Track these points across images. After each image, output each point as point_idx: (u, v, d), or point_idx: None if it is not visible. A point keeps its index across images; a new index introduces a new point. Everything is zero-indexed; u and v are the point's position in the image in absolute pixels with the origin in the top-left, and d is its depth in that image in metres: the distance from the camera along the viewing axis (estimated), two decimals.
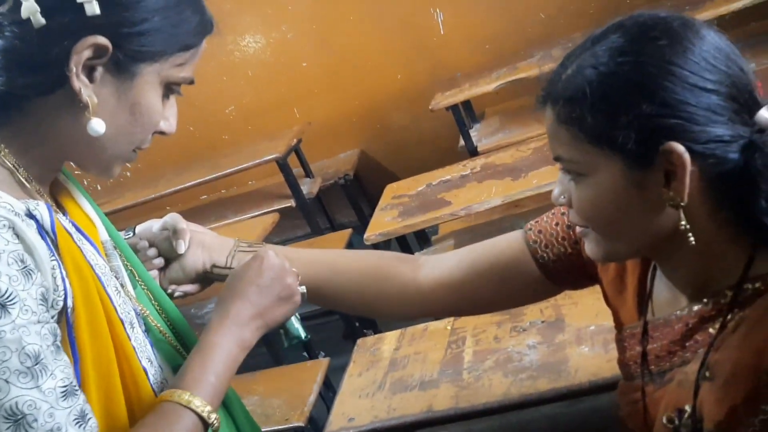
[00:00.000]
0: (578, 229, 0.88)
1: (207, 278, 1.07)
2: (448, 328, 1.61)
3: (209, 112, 3.92)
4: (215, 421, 0.81)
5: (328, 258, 1.11)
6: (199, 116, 3.91)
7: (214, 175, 3.17)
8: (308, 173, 3.48)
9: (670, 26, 0.77)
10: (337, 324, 3.29)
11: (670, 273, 0.88)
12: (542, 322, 1.50)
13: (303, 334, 1.00)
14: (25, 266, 0.71)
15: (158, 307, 0.96)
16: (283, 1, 3.70)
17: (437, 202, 2.16)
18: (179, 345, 0.95)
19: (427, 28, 3.58)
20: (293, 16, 3.72)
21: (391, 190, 2.45)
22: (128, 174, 3.91)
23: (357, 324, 2.94)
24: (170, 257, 1.04)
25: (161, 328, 0.94)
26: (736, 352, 0.77)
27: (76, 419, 0.71)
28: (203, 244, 1.06)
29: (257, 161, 3.10)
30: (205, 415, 0.80)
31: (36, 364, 0.70)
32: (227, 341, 0.86)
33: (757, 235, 0.79)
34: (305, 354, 2.85)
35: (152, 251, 1.04)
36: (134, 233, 1.06)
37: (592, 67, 0.77)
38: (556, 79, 0.81)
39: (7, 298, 0.69)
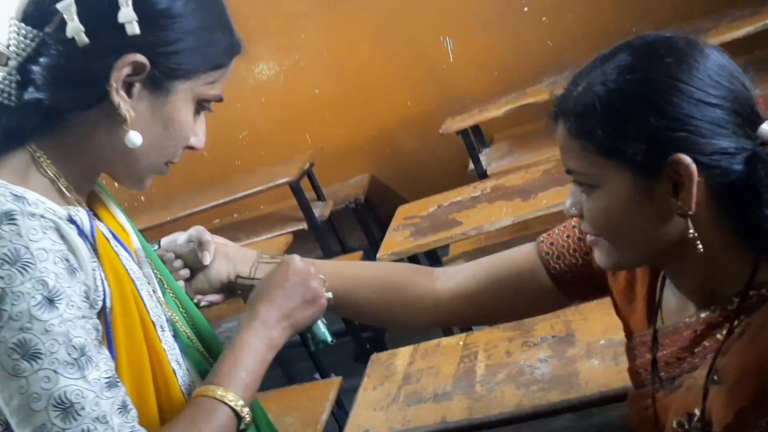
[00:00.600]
0: (589, 238, 0.92)
1: (231, 288, 1.10)
2: (461, 343, 1.65)
3: (223, 137, 3.99)
4: (247, 415, 0.85)
5: (349, 270, 1.15)
6: (213, 142, 3.92)
7: (227, 198, 3.22)
8: (320, 196, 3.53)
9: (676, 45, 0.81)
10: (348, 346, 3.31)
11: (678, 281, 0.91)
12: (553, 337, 1.54)
13: (329, 338, 1.04)
14: (70, 265, 0.76)
15: (185, 315, 1.00)
16: (296, 30, 3.79)
17: (448, 223, 2.20)
18: (206, 351, 0.99)
19: (436, 56, 3.66)
20: (306, 44, 3.81)
21: (402, 212, 2.50)
22: (142, 198, 3.98)
23: (368, 346, 2.97)
24: (195, 268, 1.08)
25: (189, 334, 0.98)
26: (743, 356, 0.80)
27: (119, 408, 0.75)
28: (227, 256, 1.10)
29: (271, 184, 3.15)
30: (238, 408, 0.84)
31: (82, 356, 0.74)
32: (257, 340, 0.90)
33: (762, 244, 0.82)
34: (316, 376, 2.88)
35: (178, 263, 1.08)
36: (160, 246, 1.11)
37: (602, 83, 0.81)
38: (567, 95, 0.85)
39: (55, 293, 0.73)
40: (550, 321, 1.58)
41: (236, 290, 1.11)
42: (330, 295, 1.01)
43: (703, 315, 0.86)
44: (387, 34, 3.69)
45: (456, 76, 3.65)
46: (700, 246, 0.81)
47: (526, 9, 3.44)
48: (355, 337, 3.21)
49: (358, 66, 3.78)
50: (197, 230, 1.09)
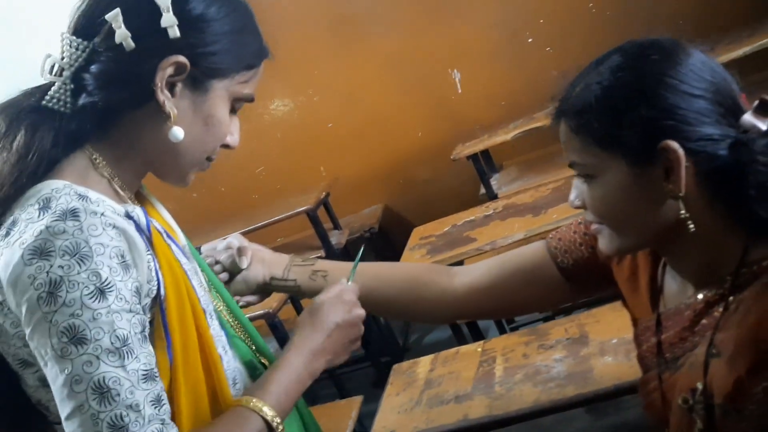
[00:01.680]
0: (593, 227, 0.98)
1: (266, 289, 1.19)
2: (479, 350, 1.72)
3: (240, 173, 4.10)
4: (279, 428, 0.89)
5: (374, 269, 1.23)
6: (231, 177, 4.08)
7: (247, 228, 3.30)
8: (336, 225, 3.62)
9: (662, 45, 0.90)
10: (367, 371, 3.37)
11: (676, 265, 0.97)
12: (567, 339, 1.60)
13: None
14: (124, 261, 0.81)
15: (227, 309, 1.07)
16: (309, 67, 3.92)
17: (463, 240, 2.28)
18: (250, 341, 1.06)
19: (445, 88, 3.77)
20: (319, 80, 3.93)
21: (418, 233, 2.58)
22: None
23: (387, 371, 3.02)
24: (233, 272, 1.17)
25: (233, 324, 1.04)
26: (737, 329, 0.85)
27: (152, 401, 0.79)
28: (263, 260, 1.19)
29: (290, 213, 3.24)
30: (274, 424, 0.88)
31: (124, 346, 0.78)
32: (301, 366, 0.95)
33: (750, 224, 0.87)
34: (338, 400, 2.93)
35: (218, 267, 1.16)
36: (200, 252, 1.20)
37: (597, 82, 0.89)
38: (567, 96, 0.93)
39: (107, 285, 0.78)
40: (564, 325, 1.65)
41: (271, 291, 1.20)
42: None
43: (700, 295, 0.92)
44: (396, 68, 3.81)
45: (465, 106, 3.76)
46: (692, 226, 0.87)
47: (530, 40, 3.56)
48: (375, 362, 3.27)
49: (369, 99, 3.89)
50: (236, 237, 1.19)
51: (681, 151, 0.84)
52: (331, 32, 3.84)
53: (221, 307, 1.04)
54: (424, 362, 1.78)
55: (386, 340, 3.42)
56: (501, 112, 3.54)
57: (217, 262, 1.17)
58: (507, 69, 3.58)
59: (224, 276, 1.16)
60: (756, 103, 0.88)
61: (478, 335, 2.18)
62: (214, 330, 0.96)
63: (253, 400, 0.89)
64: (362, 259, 1.16)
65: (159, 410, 0.79)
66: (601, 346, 1.52)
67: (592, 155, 0.90)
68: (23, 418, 0.89)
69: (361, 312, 1.04)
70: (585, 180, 0.93)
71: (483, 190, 3.11)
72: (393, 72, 3.83)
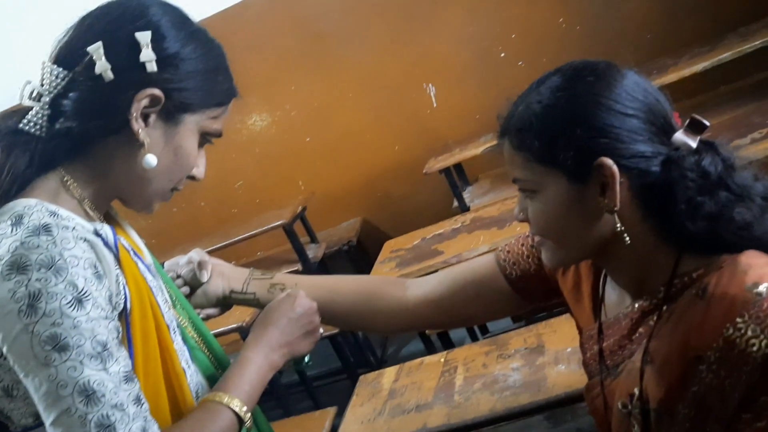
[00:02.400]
0: (536, 239, 1.02)
1: (226, 303, 1.23)
2: (442, 360, 1.76)
3: (219, 187, 4.13)
4: (248, 421, 0.95)
5: (328, 282, 1.28)
6: (210, 192, 4.12)
7: (225, 243, 3.34)
8: (313, 239, 3.66)
9: (597, 67, 0.94)
10: (344, 383, 3.40)
11: (615, 276, 1.02)
12: (525, 348, 1.65)
13: (307, 360, 1.16)
14: (96, 271, 0.85)
15: (190, 323, 1.11)
16: (286, 83, 3.97)
17: (431, 253, 2.33)
18: (212, 355, 1.10)
19: (420, 102, 3.83)
20: (296, 95, 3.98)
21: (389, 246, 2.63)
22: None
23: None
24: (195, 285, 1.21)
25: (196, 339, 1.08)
26: (669, 338, 0.90)
27: (134, 400, 0.84)
28: (223, 274, 1.23)
29: (266, 227, 3.27)
30: (241, 414, 0.94)
31: (104, 351, 0.82)
32: (261, 360, 1.01)
33: (682, 237, 0.91)
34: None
35: (179, 281, 1.20)
36: (162, 267, 1.24)
37: (537, 102, 0.93)
38: (510, 115, 0.98)
39: (84, 294, 0.82)
40: (524, 335, 1.70)
41: (231, 304, 1.24)
42: (322, 330, 1.14)
43: (637, 305, 0.96)
44: (372, 83, 3.86)
45: (440, 121, 3.82)
46: (628, 239, 0.91)
47: (503, 55, 3.62)
48: (351, 375, 3.30)
49: (346, 114, 3.94)
50: (197, 252, 1.23)
51: (615, 168, 0.87)
52: (308, 48, 3.89)
53: (185, 323, 1.08)
54: (389, 373, 1.82)
55: (363, 352, 3.45)
56: (475, 126, 3.59)
57: (178, 276, 1.21)
58: (480, 83, 3.64)
59: (185, 290, 1.20)
60: (687, 121, 0.92)
61: (450, 346, 2.23)
62: (178, 345, 1.00)
63: (221, 395, 0.95)
64: (340, 273, 1.21)
65: (141, 408, 0.84)
66: (556, 355, 1.57)
67: (532, 171, 0.94)
68: None
69: (310, 304, 1.10)
70: (527, 195, 0.97)
71: (456, 203, 3.16)
72: (369, 87, 3.88)
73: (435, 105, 3.82)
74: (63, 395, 0.80)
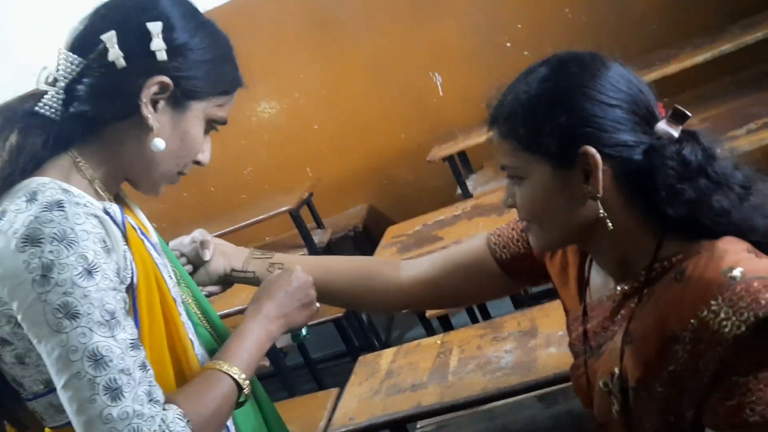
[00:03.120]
0: (523, 224, 1.07)
1: (227, 280, 1.29)
2: (438, 342, 1.81)
3: (229, 173, 4.19)
4: (246, 387, 1.00)
5: (323, 262, 1.33)
6: (220, 178, 4.18)
7: (232, 227, 3.39)
8: (319, 224, 3.71)
9: (582, 59, 0.97)
10: (348, 366, 3.45)
11: (599, 260, 1.05)
12: (519, 331, 1.69)
13: (305, 333, 1.22)
14: (106, 245, 0.90)
15: (194, 300, 1.16)
16: (294, 70, 4.01)
17: (431, 239, 2.38)
18: (213, 331, 1.15)
19: (426, 90, 3.86)
20: (304, 83, 4.03)
21: (391, 232, 2.68)
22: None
23: None
24: (197, 264, 1.26)
25: (199, 315, 1.14)
26: (647, 319, 0.94)
27: (140, 366, 0.88)
28: (224, 253, 1.29)
29: (272, 213, 3.33)
30: (240, 381, 0.99)
31: (112, 319, 0.87)
32: (259, 331, 1.07)
33: (662, 223, 0.94)
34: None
35: (183, 259, 1.26)
36: (168, 246, 1.29)
37: (524, 92, 0.96)
38: (499, 105, 1.01)
39: (93, 266, 0.87)
40: (518, 318, 1.75)
41: (231, 282, 1.30)
42: (318, 304, 1.19)
43: (619, 288, 1.00)
44: (379, 71, 3.90)
45: (446, 109, 3.85)
46: (610, 224, 0.93)
47: (508, 44, 3.65)
48: (356, 358, 3.35)
49: (354, 102, 3.98)
50: (200, 232, 1.28)
51: (598, 156, 0.90)
52: (316, 36, 3.93)
53: (189, 300, 1.13)
54: (387, 354, 1.87)
55: (367, 336, 3.50)
56: (480, 114, 3.53)
57: (182, 255, 1.26)
58: (486, 72, 3.66)
59: (188, 268, 1.25)
60: (670, 111, 0.95)
61: (450, 330, 2.27)
62: (183, 318, 1.05)
63: (220, 363, 0.99)
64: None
65: (146, 373, 0.89)
66: (548, 338, 1.61)
67: (519, 159, 0.97)
68: None
69: (306, 278, 1.16)
70: (515, 181, 1.00)
71: (459, 191, 3.19)
72: (376, 75, 3.92)
73: (441, 93, 3.85)
74: (73, 360, 0.85)
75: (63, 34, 1.01)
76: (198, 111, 1.01)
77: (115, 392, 0.85)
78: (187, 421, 0.90)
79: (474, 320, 2.74)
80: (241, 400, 1.00)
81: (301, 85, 4.04)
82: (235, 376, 0.99)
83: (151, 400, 0.87)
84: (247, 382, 1.00)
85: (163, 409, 0.89)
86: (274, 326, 1.10)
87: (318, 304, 1.19)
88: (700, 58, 2.68)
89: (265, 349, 1.08)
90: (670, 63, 2.74)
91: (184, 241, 1.28)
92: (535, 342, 1.62)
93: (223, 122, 1.06)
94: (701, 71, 2.74)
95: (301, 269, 1.18)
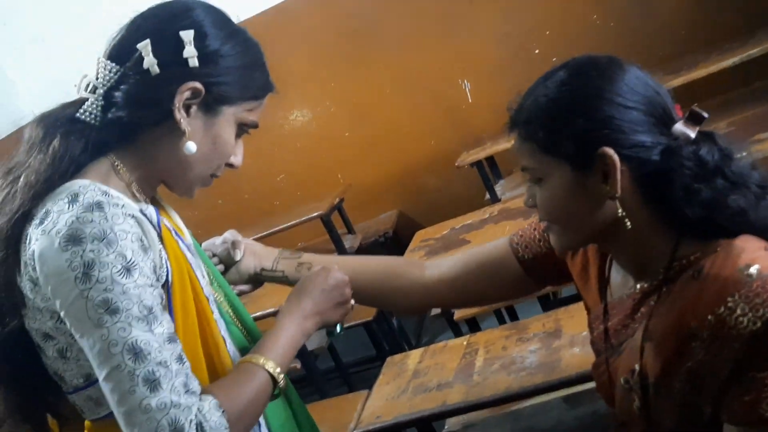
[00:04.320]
0: (543, 224, 1.08)
1: (257, 279, 1.32)
2: (464, 343, 1.84)
3: (262, 181, 4.27)
4: (282, 381, 1.03)
5: (349, 261, 1.36)
6: (254, 185, 4.25)
7: (265, 233, 3.45)
8: (350, 230, 3.75)
9: (600, 63, 0.99)
10: (378, 369, 3.47)
11: (619, 259, 1.07)
12: (543, 332, 1.71)
13: (339, 330, 1.24)
14: (143, 244, 0.94)
15: (226, 300, 1.20)
16: (325, 79, 4.08)
17: (458, 242, 2.40)
18: (245, 330, 1.18)
19: (456, 97, 3.90)
20: (335, 92, 4.09)
21: (420, 236, 2.71)
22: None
23: None
24: (228, 264, 1.30)
25: (231, 314, 1.17)
26: (665, 317, 0.95)
27: (176, 359, 0.91)
28: (254, 253, 1.32)
29: (304, 218, 3.38)
30: (275, 374, 1.02)
31: (149, 314, 0.91)
32: (294, 327, 1.10)
33: (680, 223, 0.95)
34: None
35: (215, 259, 1.30)
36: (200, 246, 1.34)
37: (544, 95, 0.98)
38: (519, 108, 1.03)
39: (131, 264, 0.91)
40: (543, 320, 1.77)
41: (262, 281, 1.33)
42: (353, 301, 1.22)
43: (639, 286, 1.01)
44: (410, 79, 3.94)
45: (475, 116, 3.87)
46: (629, 224, 0.95)
47: (537, 51, 3.67)
48: (384, 361, 3.37)
49: (384, 109, 4.03)
50: (231, 232, 1.32)
51: (616, 157, 0.92)
52: (347, 46, 3.98)
53: (221, 299, 1.17)
54: (415, 355, 1.90)
55: (397, 340, 3.53)
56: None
57: (213, 255, 1.30)
58: (515, 80, 3.63)
59: (220, 267, 1.29)
60: (687, 113, 0.96)
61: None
62: (215, 316, 1.09)
63: (256, 357, 1.03)
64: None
65: (183, 366, 0.92)
66: (572, 338, 1.62)
67: (539, 161, 0.99)
68: (40, 387, 1.02)
69: (342, 277, 1.18)
70: (535, 183, 1.03)
71: (488, 196, 3.20)
72: (406, 83, 3.96)
73: (470, 100, 3.87)
74: (113, 353, 0.89)
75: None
76: (229, 115, 1.04)
77: (153, 383, 0.88)
78: (223, 412, 0.92)
79: (502, 323, 2.75)
80: (275, 393, 1.03)
81: (332, 94, 4.10)
82: (270, 370, 1.02)
83: (187, 391, 0.90)
84: (282, 375, 1.03)
85: (200, 400, 0.92)
86: (309, 323, 1.12)
87: (353, 302, 1.21)
88: (727, 63, 2.67)
89: (300, 345, 1.11)
90: (698, 68, 2.74)
91: (216, 242, 1.31)
92: (559, 342, 1.63)
93: (255, 126, 1.09)
94: (729, 76, 2.73)
95: (339, 268, 1.20)
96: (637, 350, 1.00)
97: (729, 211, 0.93)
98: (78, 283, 0.90)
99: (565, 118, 0.96)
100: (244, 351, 1.13)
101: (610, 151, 0.93)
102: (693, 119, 0.96)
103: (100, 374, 0.90)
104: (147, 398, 0.88)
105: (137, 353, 0.89)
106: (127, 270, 0.91)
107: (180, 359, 0.92)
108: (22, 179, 0.99)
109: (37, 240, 0.93)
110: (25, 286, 0.96)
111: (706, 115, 0.96)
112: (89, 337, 0.90)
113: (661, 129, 0.96)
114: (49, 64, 4.19)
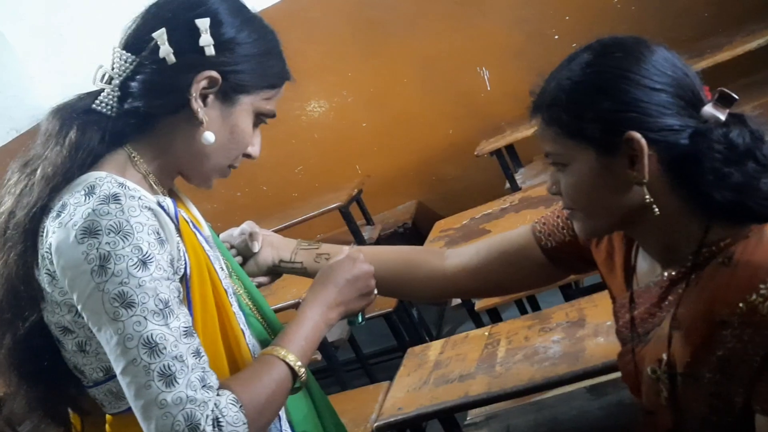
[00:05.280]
0: (567, 211, 1.07)
1: (275, 271, 1.31)
2: (486, 334, 1.82)
3: (280, 172, 4.27)
4: (303, 374, 1.01)
5: (372, 251, 1.35)
6: (271, 177, 4.25)
7: (284, 225, 3.45)
8: (369, 221, 3.74)
9: (625, 43, 0.96)
10: (399, 361, 3.47)
11: (645, 246, 1.04)
12: (567, 322, 1.69)
13: (360, 319, 1.23)
14: (159, 237, 0.93)
15: (246, 292, 1.19)
16: (342, 69, 4.06)
17: (478, 232, 2.37)
18: (265, 322, 1.17)
19: (474, 86, 3.86)
20: (352, 82, 4.07)
21: (439, 226, 2.69)
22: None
23: None
24: (247, 255, 1.29)
25: (251, 306, 1.16)
26: (694, 305, 0.94)
27: (193, 353, 0.91)
28: (272, 244, 1.31)
29: (322, 210, 3.37)
30: (296, 367, 1.00)
31: (166, 308, 0.90)
32: (317, 317, 1.08)
33: (709, 208, 0.93)
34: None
35: (233, 251, 1.29)
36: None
37: (567, 78, 0.96)
38: (542, 92, 1.01)
39: (148, 257, 0.90)
40: (566, 309, 1.74)
41: (280, 273, 1.32)
42: (377, 291, 1.20)
43: (666, 273, 0.99)
44: (426, 67, 3.91)
45: (494, 103, 3.84)
46: (657, 210, 0.93)
47: (556, 37, 3.62)
48: (405, 352, 3.37)
49: (401, 99, 4.01)
50: (248, 224, 1.31)
51: (643, 141, 0.90)
52: (363, 35, 3.96)
53: (240, 291, 1.16)
54: (436, 346, 1.88)
55: (418, 331, 3.52)
56: (529, 108, 3.58)
57: (232, 247, 1.29)
58: (534, 66, 3.55)
59: (238, 259, 1.28)
60: (716, 94, 0.94)
61: None
62: (234, 309, 1.08)
63: (277, 349, 1.01)
64: None
65: (199, 360, 0.91)
66: (596, 328, 1.60)
67: (563, 145, 0.97)
68: (62, 381, 1.02)
69: (367, 268, 1.16)
70: (559, 168, 1.00)
71: (508, 185, 3.18)
72: (423, 71, 3.93)
73: (489, 88, 3.84)
74: (129, 347, 0.88)
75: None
76: (246, 104, 1.04)
77: (169, 378, 0.87)
78: (240, 406, 0.91)
79: (524, 314, 2.72)
80: (296, 385, 1.02)
81: (349, 84, 4.08)
82: (291, 363, 1.00)
83: (204, 386, 0.89)
84: (303, 369, 1.01)
85: (217, 395, 0.90)
86: (333, 313, 1.11)
87: (376, 291, 1.19)
88: (753, 44, 2.62)
89: (323, 335, 1.09)
90: (722, 50, 2.69)
91: (233, 233, 1.30)
92: (582, 332, 1.61)
93: (272, 115, 1.08)
94: (754, 58, 2.67)
95: (363, 257, 1.18)
96: (665, 339, 0.98)
97: (760, 195, 0.91)
98: (94, 276, 0.89)
99: (590, 101, 0.94)
100: (264, 343, 1.12)
101: (637, 135, 0.91)
102: (722, 101, 0.93)
103: (117, 368, 0.90)
104: (163, 393, 0.87)
105: (153, 348, 0.88)
106: (143, 263, 0.90)
107: (197, 354, 0.91)
108: (39, 172, 0.99)
109: (54, 233, 0.93)
110: (43, 279, 0.96)
111: (736, 96, 0.93)
112: (106, 331, 0.90)
113: (690, 111, 0.93)
114: (67, 58, 4.21)
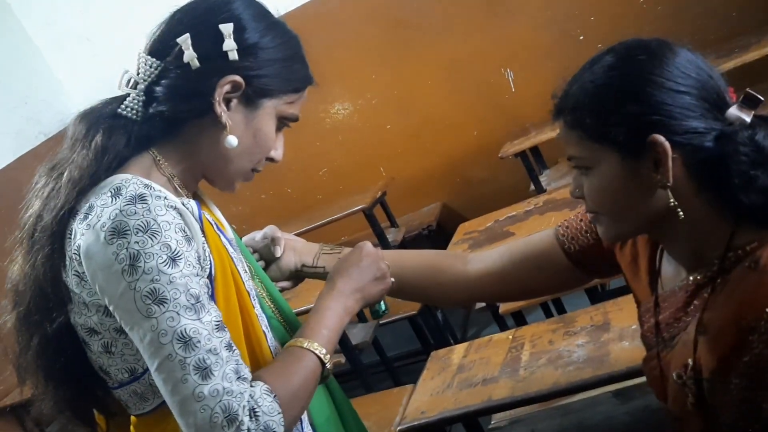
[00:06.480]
0: (591, 215, 1.05)
1: (298, 275, 1.32)
2: (510, 337, 1.81)
3: (304, 175, 4.28)
4: (329, 363, 1.02)
5: (392, 255, 1.34)
6: (296, 179, 4.27)
7: (308, 227, 3.47)
8: (393, 223, 3.74)
9: (649, 46, 0.96)
10: (424, 364, 3.47)
11: (670, 250, 1.04)
12: (591, 326, 1.67)
13: (383, 308, 1.24)
14: (186, 235, 0.95)
15: (268, 294, 1.20)
16: (367, 71, 4.06)
17: (503, 234, 2.36)
18: (287, 325, 1.17)
19: (499, 87, 3.83)
20: (376, 83, 4.06)
21: (463, 228, 2.68)
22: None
23: None
24: (269, 260, 1.30)
25: (273, 308, 1.17)
26: (722, 309, 0.92)
27: (226, 346, 0.92)
28: (295, 249, 1.32)
29: (347, 212, 3.38)
30: (321, 355, 1.02)
31: (197, 303, 0.91)
32: (336, 305, 1.09)
33: (736, 211, 0.93)
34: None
35: (255, 255, 1.30)
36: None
37: (590, 81, 0.96)
38: (564, 95, 1.01)
39: (176, 254, 0.92)
40: (590, 313, 1.72)
41: (303, 277, 1.33)
42: (392, 279, 1.20)
43: (692, 278, 0.98)
44: (451, 69, 3.89)
45: (519, 105, 3.81)
46: (681, 213, 0.93)
47: (581, 37, 3.58)
48: (429, 355, 3.37)
49: (425, 101, 3.99)
50: (271, 228, 1.31)
51: (667, 144, 0.90)
52: (387, 38, 3.96)
53: (263, 293, 1.17)
54: (459, 349, 1.87)
55: (443, 334, 3.51)
56: None
57: (254, 251, 1.30)
58: (559, 67, 3.50)
59: (261, 263, 1.28)
60: (741, 96, 0.93)
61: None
62: (257, 311, 1.09)
63: (301, 340, 1.02)
64: None
65: (233, 353, 0.92)
66: (621, 332, 1.58)
67: (586, 149, 0.97)
68: (89, 382, 1.04)
69: (375, 251, 1.18)
70: (582, 172, 1.00)
71: (533, 187, 3.16)
72: (447, 73, 3.91)
73: (513, 90, 3.81)
74: (164, 343, 0.89)
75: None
76: (270, 108, 1.05)
77: (204, 371, 0.89)
78: (274, 396, 0.93)
79: (549, 317, 2.71)
80: (324, 374, 1.03)
81: (373, 86, 4.08)
82: (317, 351, 1.01)
83: (239, 378, 0.91)
84: (329, 356, 1.03)
85: (251, 386, 0.92)
86: (350, 300, 1.12)
87: (392, 278, 1.20)
88: None
89: (344, 324, 1.10)
90: (750, 50, 2.65)
91: (255, 237, 1.31)
92: (607, 336, 1.59)
93: (295, 119, 1.09)
94: None
95: (371, 244, 1.20)
96: (691, 344, 0.97)
97: None
98: (125, 275, 0.90)
99: (613, 104, 0.93)
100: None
101: (661, 138, 0.90)
102: (748, 103, 0.92)
103: (152, 365, 0.91)
104: (199, 386, 0.88)
105: (187, 342, 0.89)
106: (173, 260, 0.91)
107: (229, 347, 0.93)
108: (65, 175, 1.01)
109: (82, 235, 0.95)
110: (71, 281, 0.97)
111: (761, 98, 0.92)
112: (139, 329, 0.91)
113: (715, 114, 0.92)
114: (95, 63, 4.27)
